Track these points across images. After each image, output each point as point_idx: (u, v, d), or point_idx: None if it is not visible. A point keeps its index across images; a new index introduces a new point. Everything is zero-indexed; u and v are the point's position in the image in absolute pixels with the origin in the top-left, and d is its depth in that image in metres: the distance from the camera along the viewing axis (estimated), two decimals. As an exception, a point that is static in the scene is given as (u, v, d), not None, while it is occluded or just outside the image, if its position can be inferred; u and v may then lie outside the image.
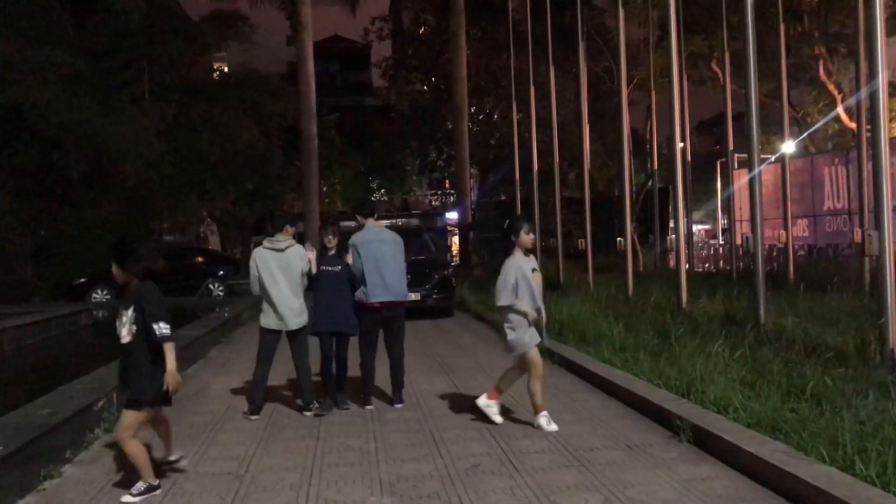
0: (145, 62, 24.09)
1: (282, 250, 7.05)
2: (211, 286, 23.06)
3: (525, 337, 6.20)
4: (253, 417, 6.96)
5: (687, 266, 14.23)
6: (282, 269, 7.00)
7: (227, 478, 5.23)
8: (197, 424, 6.78)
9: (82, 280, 21.44)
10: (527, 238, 6.30)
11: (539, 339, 6.28)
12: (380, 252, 7.31)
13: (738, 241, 19.33)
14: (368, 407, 7.21)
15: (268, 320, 7.12)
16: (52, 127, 20.52)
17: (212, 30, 26.69)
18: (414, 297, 13.92)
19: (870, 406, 5.28)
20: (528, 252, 6.37)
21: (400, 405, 7.28)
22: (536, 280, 6.30)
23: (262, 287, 7.05)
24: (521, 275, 6.22)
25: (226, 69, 33.24)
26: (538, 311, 6.26)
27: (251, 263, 7.15)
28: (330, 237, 7.19)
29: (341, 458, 5.60)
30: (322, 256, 7.17)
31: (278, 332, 7.12)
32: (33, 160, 21.60)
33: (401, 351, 7.54)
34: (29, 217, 23.24)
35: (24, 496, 4.87)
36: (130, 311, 4.75)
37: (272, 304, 7.05)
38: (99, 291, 21.20)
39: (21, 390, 8.24)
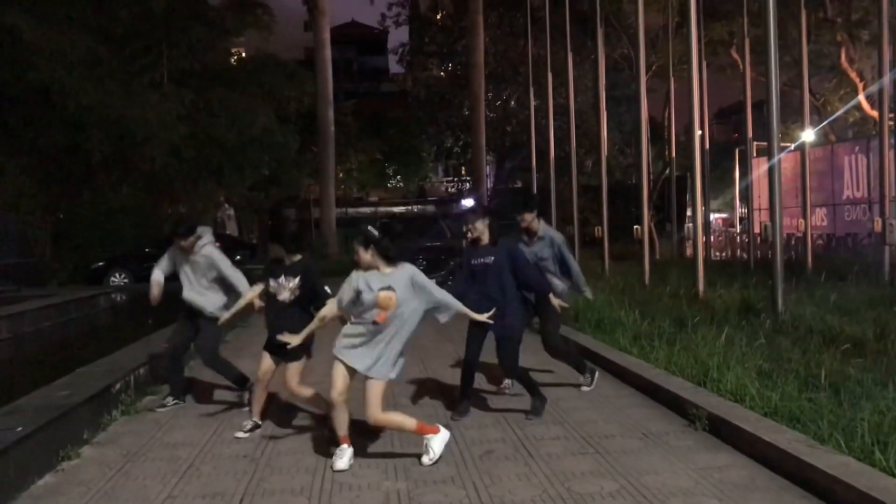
0: (164, 47, 24.18)
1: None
2: (228, 270, 23.12)
3: None
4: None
5: (704, 254, 14.14)
6: None
7: (242, 460, 5.26)
8: (213, 407, 6.82)
9: (101, 263, 21.61)
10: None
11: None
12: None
13: (756, 230, 19.20)
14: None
15: None
16: (79, 109, 20.67)
17: (231, 16, 26.74)
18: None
19: (889, 396, 5.24)
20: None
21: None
22: None
23: None
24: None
25: (243, 54, 33.26)
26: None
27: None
28: (474, 224, 6.12)
29: (357, 442, 5.61)
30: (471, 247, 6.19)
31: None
32: (56, 143, 21.76)
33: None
34: (49, 200, 23.43)
35: (43, 476, 4.92)
36: (298, 279, 5.89)
37: None
38: (117, 275, 21.32)
39: (40, 372, 8.30)
